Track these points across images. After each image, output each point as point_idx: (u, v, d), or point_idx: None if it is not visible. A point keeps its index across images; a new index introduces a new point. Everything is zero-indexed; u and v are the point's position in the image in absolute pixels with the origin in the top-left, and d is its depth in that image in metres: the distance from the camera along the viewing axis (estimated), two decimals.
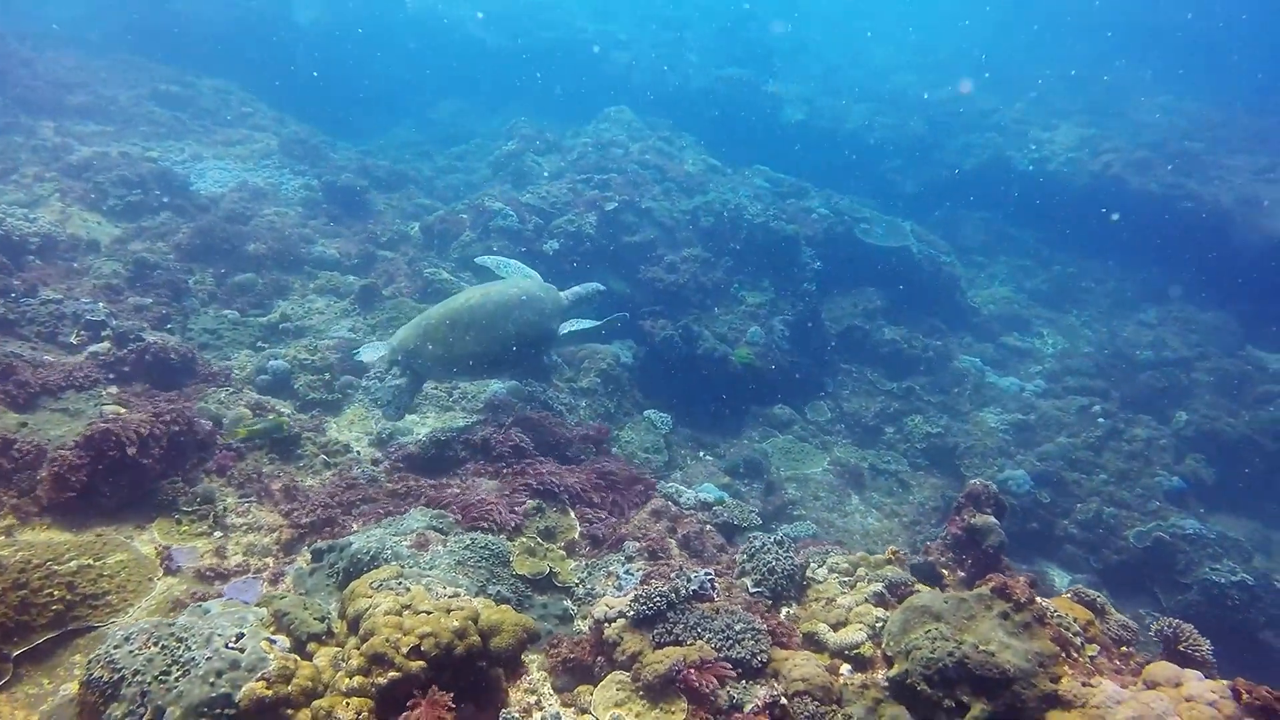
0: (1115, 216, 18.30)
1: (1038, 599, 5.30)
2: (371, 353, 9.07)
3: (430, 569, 5.57)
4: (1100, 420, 13.89)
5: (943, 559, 7.20)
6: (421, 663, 4.49)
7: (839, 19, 37.00)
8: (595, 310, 9.56)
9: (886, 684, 4.99)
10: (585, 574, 6.25)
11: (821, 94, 24.89)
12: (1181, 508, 12.62)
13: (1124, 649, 5.99)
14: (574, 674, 5.17)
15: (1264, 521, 13.08)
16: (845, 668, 5.17)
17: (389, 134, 22.10)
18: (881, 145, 23.01)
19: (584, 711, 4.89)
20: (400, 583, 5.18)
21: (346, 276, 11.83)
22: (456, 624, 4.71)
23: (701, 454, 11.71)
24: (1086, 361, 15.53)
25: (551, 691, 5.13)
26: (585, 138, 16.46)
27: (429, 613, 4.76)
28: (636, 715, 4.73)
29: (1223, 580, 10.68)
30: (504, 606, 5.10)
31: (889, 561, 7.03)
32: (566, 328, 9.06)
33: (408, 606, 4.82)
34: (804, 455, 12.21)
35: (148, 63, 18.06)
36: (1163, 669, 4.95)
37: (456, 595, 5.15)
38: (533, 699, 5.04)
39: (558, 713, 4.88)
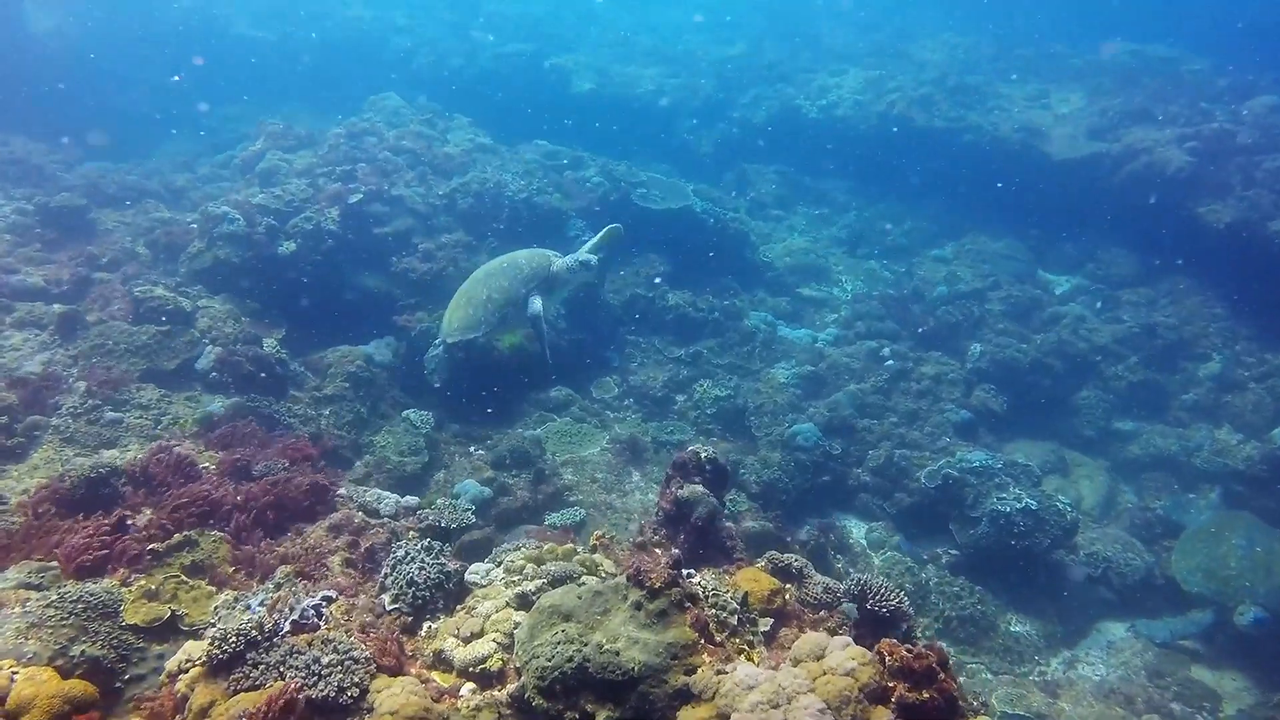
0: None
1: (682, 580, 4.75)
2: None
3: None
4: (889, 363, 13.69)
5: (655, 538, 6.65)
6: None
7: None
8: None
9: (509, 701, 4.37)
10: (228, 610, 5.47)
11: (613, 62, 24.22)
12: (971, 440, 12.52)
13: (822, 614, 5.59)
14: None
15: (1059, 441, 13.13)
16: (468, 687, 4.51)
17: (159, 148, 20.49)
18: (675, 108, 22.43)
19: None
20: None
21: (51, 306, 10.61)
22: None
23: (473, 449, 10.97)
24: (878, 305, 15.31)
25: None
26: (340, 129, 15.40)
27: None
28: None
29: (1008, 509, 10.59)
30: (48, 674, 4.27)
31: (594, 549, 6.47)
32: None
33: None
34: (581, 436, 11.57)
35: None
36: (807, 642, 4.45)
37: None
38: None
39: None
